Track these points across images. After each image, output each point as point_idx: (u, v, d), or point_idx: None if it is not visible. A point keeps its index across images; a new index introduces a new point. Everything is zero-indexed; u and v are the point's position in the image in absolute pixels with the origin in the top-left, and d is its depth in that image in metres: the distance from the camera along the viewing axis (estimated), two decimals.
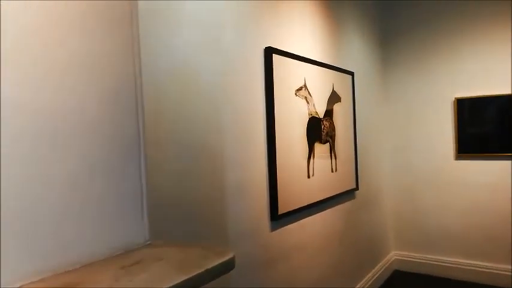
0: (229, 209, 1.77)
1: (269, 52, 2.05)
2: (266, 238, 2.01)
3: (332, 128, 2.71)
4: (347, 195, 2.95)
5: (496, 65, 3.31)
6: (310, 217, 2.45)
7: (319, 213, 2.57)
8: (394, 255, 3.89)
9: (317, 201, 2.48)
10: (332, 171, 2.70)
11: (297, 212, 2.26)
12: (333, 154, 2.71)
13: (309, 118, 2.42)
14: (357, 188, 3.08)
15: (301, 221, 2.35)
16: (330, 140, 2.68)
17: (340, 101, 2.84)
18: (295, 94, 2.28)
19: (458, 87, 3.49)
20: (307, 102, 2.40)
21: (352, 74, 3.05)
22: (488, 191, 3.39)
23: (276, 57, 2.09)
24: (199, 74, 1.65)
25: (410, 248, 3.82)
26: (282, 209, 2.11)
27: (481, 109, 3.38)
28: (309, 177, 2.40)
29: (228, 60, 1.82)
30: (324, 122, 2.60)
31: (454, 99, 3.50)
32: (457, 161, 3.54)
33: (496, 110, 3.32)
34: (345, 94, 2.92)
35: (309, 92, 2.42)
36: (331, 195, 2.69)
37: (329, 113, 2.67)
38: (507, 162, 3.29)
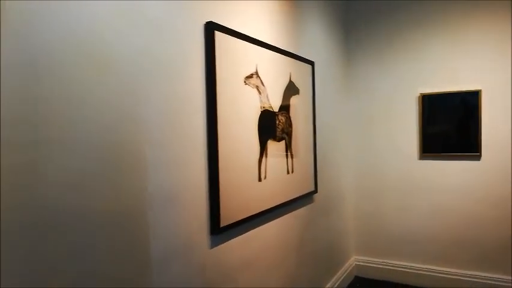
0: (153, 223, 1.38)
1: (210, 28, 1.68)
2: (204, 257, 1.65)
3: (289, 123, 2.38)
4: (305, 199, 2.64)
5: (463, 60, 3.12)
6: (261, 227, 2.11)
7: (272, 222, 2.24)
8: (355, 260, 3.65)
9: (270, 208, 2.15)
10: (288, 173, 2.38)
11: (245, 222, 1.91)
12: (289, 153, 2.39)
13: (262, 111, 2.07)
14: (315, 191, 2.78)
15: (250, 232, 2.00)
16: (286, 137, 2.35)
17: (299, 94, 2.52)
18: (245, 82, 1.93)
19: (423, 82, 3.27)
20: (259, 93, 2.05)
21: (312, 64, 2.74)
22: (453, 192, 3.21)
23: (219, 36, 1.72)
24: (113, 52, 1.25)
25: (372, 253, 3.59)
26: (226, 219, 1.75)
27: (446, 106, 3.19)
28: (260, 180, 2.05)
29: (156, 37, 1.43)
30: (279, 117, 2.27)
31: (418, 94, 3.28)
32: (421, 161, 3.33)
33: (461, 107, 3.13)
34: (304, 86, 2.60)
35: (261, 81, 2.07)
36: (287, 199, 2.37)
37: (285, 107, 2.34)
38: (471, 163, 3.12)
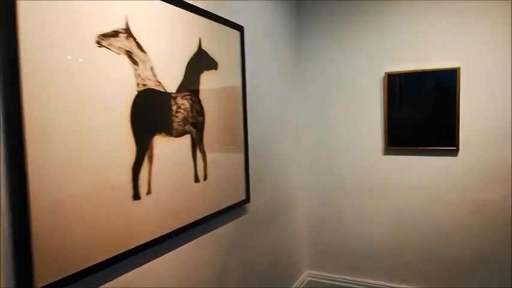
0: None
1: None
2: None
3: (197, 111, 1.66)
4: (231, 212, 1.96)
5: (437, 32, 2.48)
6: (145, 266, 1.41)
7: (171, 253, 1.54)
8: (308, 276, 3.02)
9: (160, 237, 1.44)
10: (197, 181, 1.67)
11: (90, 271, 1.20)
12: (198, 153, 1.68)
13: (139, 92, 1.34)
14: (247, 200, 2.09)
15: (119, 279, 1.29)
16: (194, 130, 1.64)
17: (216, 69, 1.80)
18: (99, 44, 1.19)
19: (389, 60, 2.62)
20: (134, 63, 1.32)
21: (240, 30, 2.02)
22: (424, 195, 2.60)
23: None
24: None
25: (328, 267, 2.97)
26: (48, 275, 1.03)
27: (417, 88, 2.55)
28: (137, 197, 1.34)
29: None
30: (179, 101, 1.55)
31: (384, 74, 2.63)
32: (386, 157, 2.70)
33: (435, 89, 2.50)
34: (226, 60, 1.88)
35: (138, 45, 1.34)
36: (198, 217, 1.68)
37: (191, 87, 1.62)
38: (447, 159, 2.51)
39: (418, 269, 2.66)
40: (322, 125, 2.88)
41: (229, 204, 1.93)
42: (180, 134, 1.56)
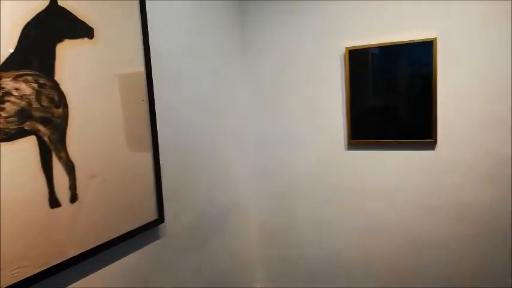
0: None
1: None
2: None
3: (52, 99, 1.10)
4: (134, 239, 1.41)
5: None
6: None
7: None
8: None
9: None
10: (56, 205, 1.11)
11: None
12: (56, 163, 1.11)
13: None
14: (160, 220, 1.55)
15: None
16: (45, 129, 1.07)
17: (90, 37, 1.23)
18: None
19: (351, 33, 2.10)
20: None
21: None
22: (395, 198, 2.12)
23: None
24: None
25: (284, 283, 2.47)
26: None
27: (385, 66, 2.05)
28: None
29: None
30: (7, 84, 0.98)
31: (344, 50, 2.11)
32: (349, 152, 2.20)
33: (406, 66, 2.00)
34: (113, 28, 1.31)
35: None
36: (60, 260, 1.12)
37: (34, 62, 1.05)
38: (423, 154, 2.03)
39: (387, 283, 2.19)
40: (271, 116, 2.35)
41: (128, 230, 1.38)
42: (11, 137, 0.99)
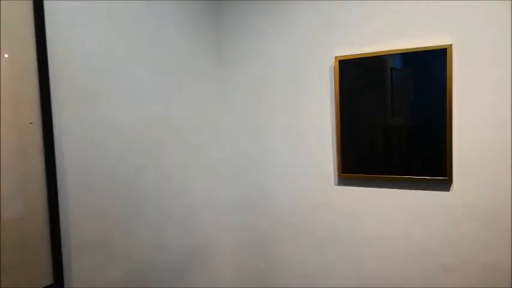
0: None
1: None
2: None
3: None
4: None
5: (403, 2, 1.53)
6: None
7: None
8: None
9: None
10: None
11: None
12: None
13: None
14: (58, 285, 1.14)
15: None
16: None
17: None
18: None
19: (341, 39, 1.67)
20: None
21: None
22: (400, 251, 1.64)
23: None
24: None
25: None
26: None
27: (384, 80, 1.60)
28: None
29: None
30: None
31: (334, 60, 1.68)
32: (340, 188, 1.75)
33: (413, 80, 1.55)
34: None
35: None
36: None
37: None
38: (434, 196, 1.55)
39: None
40: (250, 139, 1.93)
41: None
42: None
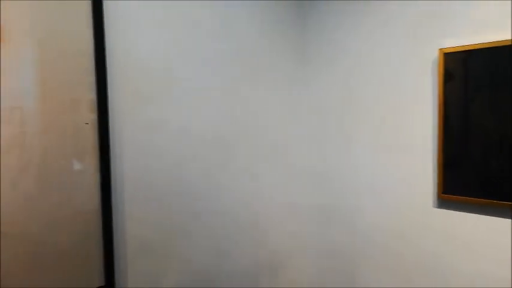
0: None
1: None
2: None
3: None
4: None
5: None
6: None
7: None
8: None
9: None
10: None
11: None
12: None
13: None
14: (110, 286, 1.13)
15: None
16: None
17: None
18: None
19: (446, 28, 1.35)
20: None
21: None
22: None
23: None
24: None
25: None
26: None
27: (504, 77, 1.23)
28: None
29: None
30: None
31: (438, 53, 1.36)
32: (438, 210, 1.42)
33: None
34: (32, 16, 0.98)
35: None
36: None
37: None
38: None
39: None
40: (332, 147, 1.72)
41: None
42: None
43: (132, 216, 1.19)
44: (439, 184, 1.38)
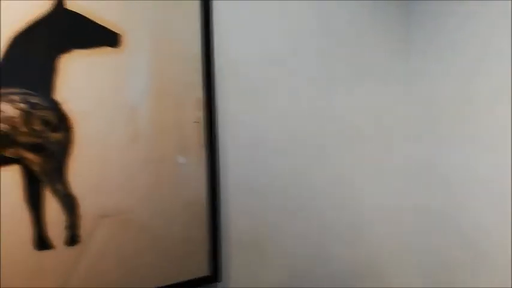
0: None
1: None
2: None
3: (48, 121, 0.92)
4: None
5: None
6: None
7: None
8: None
9: None
10: (45, 246, 0.93)
11: None
12: (46, 197, 0.93)
13: None
14: (214, 278, 1.18)
15: None
16: (35, 156, 0.91)
17: (115, 45, 1.00)
18: None
19: None
20: None
21: None
22: None
23: None
24: None
25: None
26: None
27: None
28: None
29: None
30: None
31: None
32: None
33: None
34: (148, 21, 1.06)
35: None
36: None
37: (27, 79, 0.90)
38: None
39: None
40: (449, 142, 1.58)
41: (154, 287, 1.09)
42: None
43: (235, 210, 1.23)
44: None
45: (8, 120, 0.87)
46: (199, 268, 1.16)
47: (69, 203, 0.95)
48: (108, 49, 0.99)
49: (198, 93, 1.13)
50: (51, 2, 0.92)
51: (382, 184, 1.61)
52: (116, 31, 1.00)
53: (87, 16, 0.96)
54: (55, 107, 0.93)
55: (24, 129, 0.89)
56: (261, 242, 1.30)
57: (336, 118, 1.45)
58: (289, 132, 1.34)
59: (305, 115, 1.37)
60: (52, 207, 0.93)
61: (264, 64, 1.28)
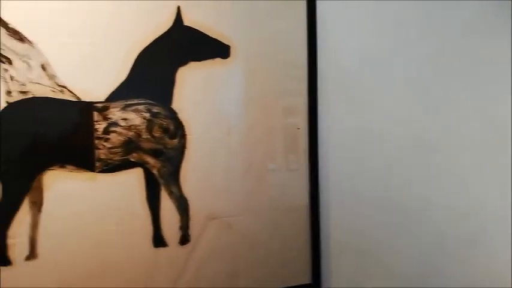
0: None
1: None
2: None
3: (167, 129, 1.00)
4: None
5: None
6: None
7: None
8: None
9: None
10: (161, 244, 1.01)
11: None
12: (163, 199, 1.01)
13: (9, 104, 0.88)
14: (315, 286, 1.17)
15: None
16: (155, 160, 0.99)
17: (225, 56, 1.05)
18: None
19: None
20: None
21: None
22: None
23: None
24: None
25: None
26: None
27: None
28: (4, 263, 0.89)
29: None
30: (115, 114, 0.95)
31: None
32: None
33: None
34: (255, 34, 1.09)
35: (8, 29, 0.88)
36: None
37: (149, 91, 0.98)
38: None
39: None
40: None
41: None
42: (114, 169, 0.96)
43: (336, 217, 1.20)
44: None
45: (134, 128, 0.97)
46: (301, 275, 1.16)
47: (183, 205, 1.03)
48: (219, 60, 1.04)
49: (302, 100, 1.13)
50: (171, 19, 1.00)
51: (509, 195, 1.43)
52: (226, 43, 1.04)
53: (201, 30, 1.02)
54: (173, 115, 1.00)
55: (146, 136, 0.98)
56: (364, 252, 1.25)
57: (450, 121, 1.34)
58: (392, 140, 1.27)
59: (409, 121, 1.29)
60: (167, 208, 1.01)
61: (366, 67, 1.23)
